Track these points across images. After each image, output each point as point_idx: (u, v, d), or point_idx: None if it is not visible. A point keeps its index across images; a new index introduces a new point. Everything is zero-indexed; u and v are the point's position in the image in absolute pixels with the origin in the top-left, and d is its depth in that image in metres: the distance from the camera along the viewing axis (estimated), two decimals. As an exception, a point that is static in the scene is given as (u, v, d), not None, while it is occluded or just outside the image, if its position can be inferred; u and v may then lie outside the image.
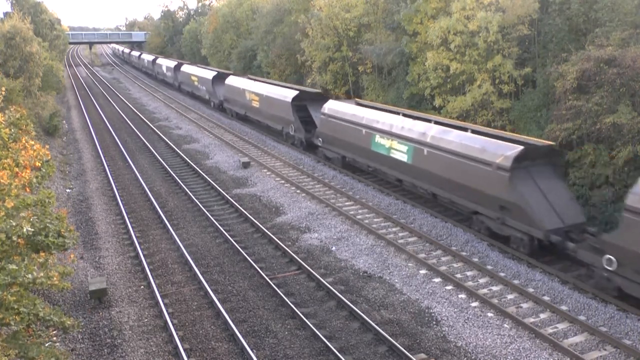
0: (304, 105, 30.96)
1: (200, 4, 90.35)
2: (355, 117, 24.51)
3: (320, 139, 27.87)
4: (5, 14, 55.01)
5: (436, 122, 20.99)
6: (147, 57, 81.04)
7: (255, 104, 36.05)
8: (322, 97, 31.17)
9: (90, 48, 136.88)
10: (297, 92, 31.11)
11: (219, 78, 44.86)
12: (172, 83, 63.27)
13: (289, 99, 30.80)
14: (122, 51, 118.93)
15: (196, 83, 50.71)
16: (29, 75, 36.71)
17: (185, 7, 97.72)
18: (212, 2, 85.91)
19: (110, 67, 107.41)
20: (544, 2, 24.12)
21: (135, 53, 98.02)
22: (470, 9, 24.72)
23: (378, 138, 22.75)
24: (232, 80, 40.96)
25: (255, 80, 38.69)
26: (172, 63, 63.17)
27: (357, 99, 28.16)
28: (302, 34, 39.09)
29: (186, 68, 55.69)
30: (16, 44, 35.70)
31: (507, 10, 23.81)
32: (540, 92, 23.92)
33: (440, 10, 27.42)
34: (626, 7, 20.63)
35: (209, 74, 47.22)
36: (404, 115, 22.83)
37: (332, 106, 26.91)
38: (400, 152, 21.37)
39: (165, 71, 65.73)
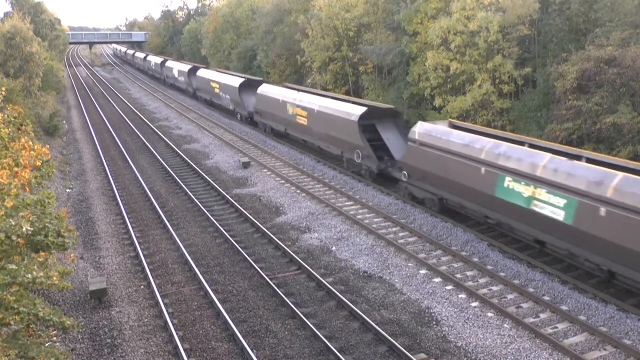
0: (371, 124, 24.44)
1: (200, 4, 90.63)
2: (469, 149, 17.92)
3: (404, 172, 21.37)
4: (5, 14, 55.14)
5: (588, 160, 15.26)
6: (155, 60, 73.29)
7: (302, 121, 29.20)
8: (394, 114, 25.46)
9: (90, 48, 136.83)
10: (364, 108, 24.34)
11: (248, 86, 38.06)
12: (185, 89, 56.36)
13: (355, 118, 24.05)
14: (125, 52, 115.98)
15: (217, 90, 43.48)
16: (29, 75, 36.83)
17: (185, 7, 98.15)
18: (212, 2, 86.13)
19: (110, 67, 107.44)
20: (544, 2, 24.17)
21: (140, 54, 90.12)
22: (470, 9, 24.77)
23: (509, 182, 16.48)
24: (267, 89, 34.17)
25: (298, 90, 31.75)
26: (185, 66, 55.83)
27: (450, 120, 21.88)
28: (302, 34, 39.14)
29: (204, 72, 48.29)
30: (16, 44, 35.81)
31: (508, 10, 23.86)
32: (541, 92, 23.97)
33: (440, 10, 27.47)
34: (626, 7, 20.68)
35: (234, 80, 39.80)
36: (531, 145, 17.03)
37: (426, 130, 20.11)
38: (552, 206, 15.17)
39: (176, 75, 58.66)
